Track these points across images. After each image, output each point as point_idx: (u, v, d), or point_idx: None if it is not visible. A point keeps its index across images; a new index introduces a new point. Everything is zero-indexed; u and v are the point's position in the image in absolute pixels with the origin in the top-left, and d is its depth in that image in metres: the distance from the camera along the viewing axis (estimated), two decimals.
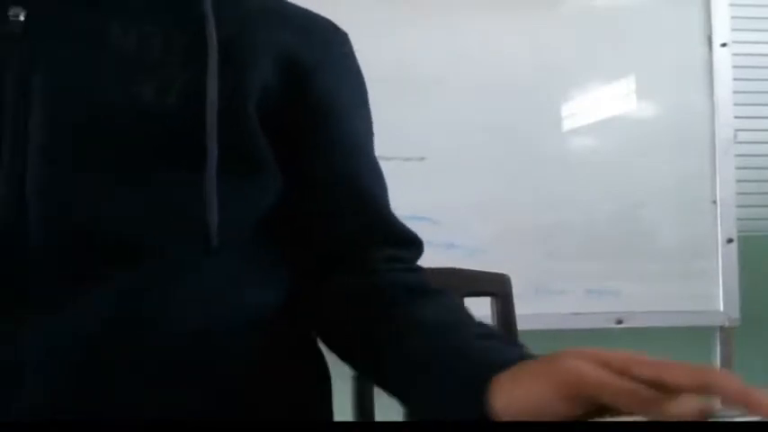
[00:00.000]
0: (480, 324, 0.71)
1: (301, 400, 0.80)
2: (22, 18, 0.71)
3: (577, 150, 1.99)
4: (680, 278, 1.97)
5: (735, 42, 2.03)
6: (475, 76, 1.92)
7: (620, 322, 1.95)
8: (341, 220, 0.81)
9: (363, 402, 1.16)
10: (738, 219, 2.02)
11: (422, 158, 1.85)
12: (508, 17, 1.94)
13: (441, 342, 0.68)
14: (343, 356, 0.79)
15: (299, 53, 0.80)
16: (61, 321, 0.68)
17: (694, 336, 2.05)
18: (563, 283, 1.94)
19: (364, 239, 0.82)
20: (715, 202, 2.00)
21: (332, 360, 0.82)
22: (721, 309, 1.99)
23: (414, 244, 0.85)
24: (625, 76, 2.00)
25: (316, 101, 0.80)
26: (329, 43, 0.84)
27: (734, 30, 2.04)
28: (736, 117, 2.03)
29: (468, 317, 0.73)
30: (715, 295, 2.00)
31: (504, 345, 0.66)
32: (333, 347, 0.81)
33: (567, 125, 2.00)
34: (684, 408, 0.51)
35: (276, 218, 0.79)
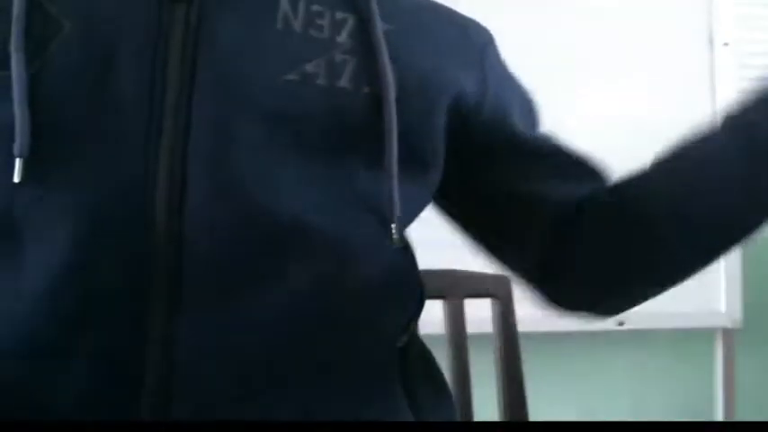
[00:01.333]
0: None
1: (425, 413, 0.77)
2: None
3: (578, 150, 1.98)
4: None
5: (737, 42, 2.02)
6: None
7: (621, 324, 1.94)
8: (557, 187, 0.83)
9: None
10: None
11: None
12: (507, 17, 1.93)
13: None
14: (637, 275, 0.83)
15: (463, 49, 0.80)
16: (223, 317, 0.63)
17: (696, 337, 2.04)
18: None
19: (580, 188, 0.84)
20: None
21: None
22: (723, 310, 1.98)
23: (602, 172, 0.89)
24: (626, 76, 1.99)
25: (492, 96, 0.81)
26: (489, 42, 0.86)
27: (736, 29, 2.03)
28: None
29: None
30: (717, 296, 1.98)
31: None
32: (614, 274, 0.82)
33: (568, 125, 1.98)
34: None
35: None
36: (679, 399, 2.07)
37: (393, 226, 0.70)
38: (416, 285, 0.78)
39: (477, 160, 0.81)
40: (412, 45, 0.74)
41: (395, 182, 0.70)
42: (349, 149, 0.69)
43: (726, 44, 2.00)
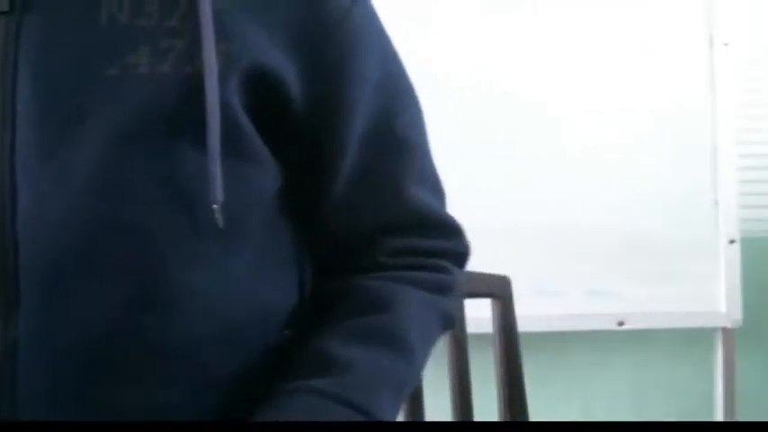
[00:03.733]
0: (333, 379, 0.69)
1: None
2: None
3: (578, 150, 1.98)
4: (682, 279, 1.96)
5: (737, 42, 2.02)
6: (474, 75, 1.91)
7: (621, 324, 1.94)
8: (346, 209, 0.75)
9: None
10: (741, 219, 2.01)
11: None
12: (507, 16, 1.93)
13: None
14: None
15: (304, 22, 0.72)
16: (56, 320, 0.66)
17: (696, 337, 2.04)
18: (563, 285, 1.93)
19: (374, 230, 0.76)
20: (717, 202, 1.99)
21: None
22: (723, 310, 1.98)
23: (442, 231, 0.79)
24: (626, 76, 1.99)
25: (323, 75, 0.73)
26: (343, 13, 0.74)
27: (736, 29, 2.03)
28: (739, 117, 2.02)
29: (335, 358, 0.70)
30: (717, 296, 1.98)
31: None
32: None
33: (567, 125, 1.98)
34: None
35: (282, 210, 0.75)
36: (679, 399, 2.07)
37: (215, 207, 0.68)
38: (284, 278, 0.76)
39: (293, 154, 0.75)
40: (244, 22, 0.71)
41: (216, 160, 0.68)
42: (176, 134, 0.68)
43: (726, 44, 2.00)
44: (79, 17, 0.69)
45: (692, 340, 2.06)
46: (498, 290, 1.26)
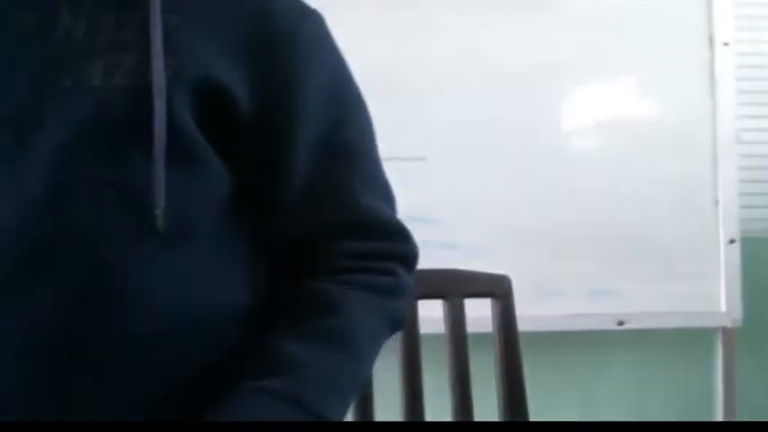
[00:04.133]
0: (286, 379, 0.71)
1: None
2: None
3: (578, 150, 1.98)
4: (682, 279, 1.96)
5: (737, 42, 2.02)
6: (476, 75, 1.91)
7: (621, 324, 1.94)
8: (298, 214, 0.78)
9: (364, 402, 1.15)
10: (741, 219, 2.01)
11: (422, 158, 1.85)
12: (509, 16, 1.93)
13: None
14: None
15: (254, 36, 0.76)
16: (11, 321, 0.68)
17: (696, 337, 2.04)
18: (564, 285, 1.93)
19: (325, 234, 0.78)
20: (717, 202, 1.99)
21: None
22: (723, 310, 1.98)
23: (391, 235, 0.80)
24: (626, 76, 1.99)
25: (271, 87, 0.76)
26: (292, 28, 0.78)
27: (736, 29, 2.03)
28: (739, 117, 2.02)
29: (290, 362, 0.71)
30: (717, 296, 1.98)
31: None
32: None
33: (568, 125, 1.98)
34: None
35: (233, 214, 0.77)
36: (679, 399, 2.07)
37: (157, 212, 0.70)
38: (240, 278, 0.77)
39: (244, 158, 0.78)
40: (196, 36, 0.74)
41: (160, 167, 0.70)
42: (125, 143, 0.71)
43: (726, 44, 2.00)
44: (35, 32, 0.72)
45: (692, 340, 2.06)
46: (498, 290, 1.26)
